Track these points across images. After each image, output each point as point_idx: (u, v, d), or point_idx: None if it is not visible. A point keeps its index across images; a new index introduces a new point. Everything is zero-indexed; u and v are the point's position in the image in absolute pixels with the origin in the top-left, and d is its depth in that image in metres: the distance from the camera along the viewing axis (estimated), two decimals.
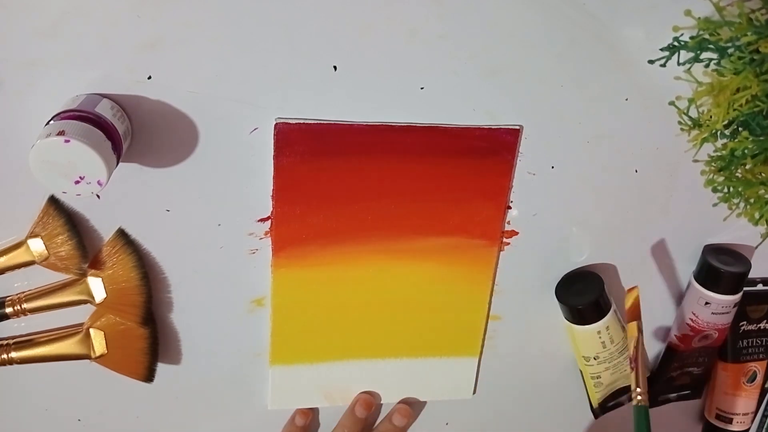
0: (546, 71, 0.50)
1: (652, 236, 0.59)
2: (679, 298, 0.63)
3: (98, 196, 0.48)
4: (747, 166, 0.46)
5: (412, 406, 0.61)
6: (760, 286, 0.65)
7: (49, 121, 0.42)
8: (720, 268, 0.58)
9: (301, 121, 0.48)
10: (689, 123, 0.48)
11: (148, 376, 0.53)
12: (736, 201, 0.47)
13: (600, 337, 0.59)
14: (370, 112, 0.49)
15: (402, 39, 0.47)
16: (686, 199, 0.58)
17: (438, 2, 0.46)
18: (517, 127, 0.52)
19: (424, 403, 0.62)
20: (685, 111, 0.47)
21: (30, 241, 0.48)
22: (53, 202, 0.47)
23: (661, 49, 0.47)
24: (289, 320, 0.55)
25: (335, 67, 0.47)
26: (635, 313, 0.53)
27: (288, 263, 0.53)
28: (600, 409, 0.65)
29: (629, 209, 0.58)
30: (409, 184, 0.52)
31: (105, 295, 0.50)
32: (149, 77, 0.45)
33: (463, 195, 0.53)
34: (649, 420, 0.47)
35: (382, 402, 0.61)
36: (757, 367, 0.66)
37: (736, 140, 0.45)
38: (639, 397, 0.47)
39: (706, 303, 0.60)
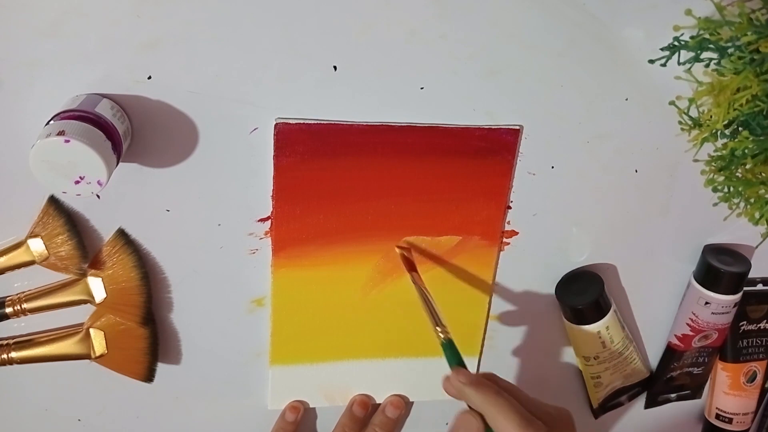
0: (546, 71, 0.50)
1: (652, 236, 0.59)
2: (679, 298, 0.63)
3: (98, 196, 0.48)
4: (747, 166, 0.46)
5: (405, 399, 0.61)
6: (760, 286, 0.65)
7: (49, 121, 0.42)
8: (720, 268, 0.58)
9: (301, 121, 0.48)
10: (689, 123, 0.48)
11: (148, 376, 0.53)
12: (736, 201, 0.47)
13: (600, 337, 0.59)
14: (370, 112, 0.49)
15: (402, 39, 0.47)
16: (686, 199, 0.58)
17: (438, 2, 0.46)
18: (517, 127, 0.52)
19: (425, 403, 0.62)
20: (686, 111, 0.47)
21: (30, 241, 0.48)
22: (53, 202, 0.47)
23: (662, 49, 0.47)
24: (289, 320, 0.55)
25: (335, 67, 0.47)
26: (409, 266, 0.53)
27: (288, 263, 0.53)
28: (600, 409, 0.65)
29: (629, 209, 0.58)
30: (409, 184, 0.52)
31: (105, 295, 0.50)
32: (149, 77, 0.45)
33: (463, 195, 0.53)
34: (457, 351, 0.48)
35: (382, 402, 0.61)
36: (757, 367, 0.66)
37: (737, 140, 0.45)
38: (441, 335, 0.48)
39: (706, 303, 0.60)
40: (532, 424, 0.42)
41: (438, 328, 0.48)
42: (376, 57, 0.47)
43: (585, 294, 0.58)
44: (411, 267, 0.53)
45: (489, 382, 0.45)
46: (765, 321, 0.65)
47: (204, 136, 0.47)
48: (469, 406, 0.45)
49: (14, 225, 0.48)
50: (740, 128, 0.45)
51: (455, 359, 0.47)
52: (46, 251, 0.48)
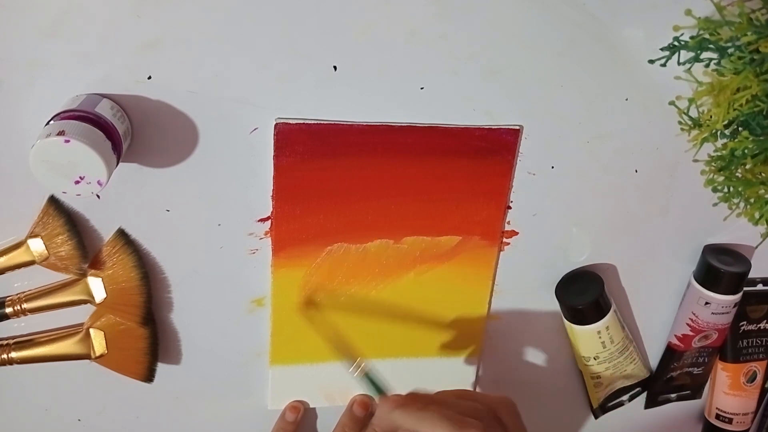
0: (546, 71, 0.50)
1: (652, 236, 0.59)
2: (679, 298, 0.63)
3: (98, 196, 0.48)
4: (747, 166, 0.46)
5: None
6: (760, 286, 0.65)
7: (49, 121, 0.42)
8: (720, 268, 0.58)
9: (301, 121, 0.48)
10: (689, 123, 0.48)
11: (148, 376, 0.53)
12: (736, 201, 0.47)
13: (600, 337, 0.59)
14: (370, 112, 0.49)
15: (402, 39, 0.47)
16: (686, 199, 0.58)
17: (438, 2, 0.46)
18: (517, 127, 0.52)
19: None
20: (685, 111, 0.47)
21: (30, 241, 0.48)
22: (53, 202, 0.47)
23: (662, 49, 0.47)
24: (289, 320, 0.55)
25: (335, 67, 0.47)
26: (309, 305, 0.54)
27: (288, 263, 0.53)
28: (600, 409, 0.65)
29: (629, 209, 0.58)
30: (409, 184, 0.52)
31: (105, 295, 0.50)
32: (149, 77, 0.45)
33: (463, 195, 0.53)
34: (376, 381, 0.48)
35: None
36: (757, 367, 0.66)
37: (736, 140, 0.45)
38: (358, 371, 0.49)
39: (706, 303, 0.60)
40: (463, 426, 0.42)
41: (353, 366, 0.49)
42: (376, 57, 0.47)
43: (585, 294, 0.58)
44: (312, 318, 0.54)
45: (412, 399, 0.45)
46: (765, 321, 0.65)
47: (204, 136, 0.47)
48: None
49: (14, 225, 0.48)
50: (740, 128, 0.45)
51: (377, 390, 0.48)
52: (46, 251, 0.48)
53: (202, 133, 0.47)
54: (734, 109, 0.43)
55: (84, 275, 0.49)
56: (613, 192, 0.56)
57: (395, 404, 0.45)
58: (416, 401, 0.45)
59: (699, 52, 0.45)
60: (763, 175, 0.46)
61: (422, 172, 0.52)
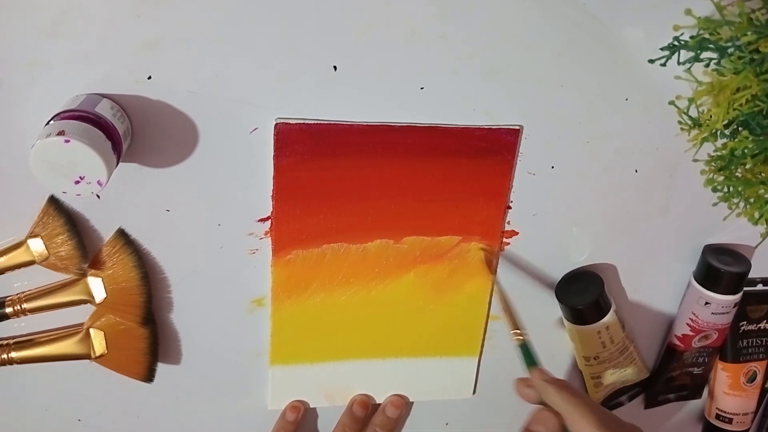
0: (546, 71, 0.50)
1: (652, 236, 0.59)
2: (679, 298, 0.63)
3: (98, 196, 0.48)
4: (747, 166, 0.46)
5: (405, 399, 0.61)
6: (760, 286, 0.65)
7: (49, 121, 0.42)
8: (720, 268, 0.58)
9: (301, 121, 0.48)
10: (689, 122, 0.48)
11: (148, 376, 0.53)
12: (735, 200, 0.47)
13: (600, 337, 0.59)
14: (370, 112, 0.49)
15: (402, 39, 0.47)
16: (686, 199, 0.58)
17: (438, 2, 0.46)
18: (517, 127, 0.52)
19: (425, 403, 0.62)
20: (685, 110, 0.48)
21: (30, 241, 0.48)
22: (53, 202, 0.47)
23: (662, 49, 0.48)
24: (289, 320, 0.55)
25: (335, 67, 0.47)
26: (491, 269, 0.56)
27: (288, 263, 0.53)
28: None
29: (629, 209, 0.58)
30: (409, 184, 0.52)
31: (105, 295, 0.50)
32: (149, 77, 0.45)
33: (463, 195, 0.53)
34: (532, 352, 0.51)
35: (382, 402, 0.61)
36: (757, 367, 0.66)
37: (736, 140, 0.45)
38: (516, 338, 0.51)
39: (706, 303, 0.60)
40: (609, 428, 0.43)
41: (513, 331, 0.51)
42: (376, 57, 0.47)
43: (585, 294, 0.58)
44: (492, 270, 0.56)
45: (567, 383, 0.47)
46: (765, 321, 0.65)
47: (204, 136, 0.47)
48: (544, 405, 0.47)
49: (14, 225, 0.48)
50: (740, 128, 0.45)
51: (531, 361, 0.50)
52: (46, 251, 0.48)
53: (202, 133, 0.47)
54: (734, 109, 0.43)
55: (84, 275, 0.49)
56: (613, 192, 0.56)
57: (551, 378, 0.47)
58: (572, 386, 0.47)
59: (699, 51, 0.45)
60: (763, 174, 0.46)
61: (422, 172, 0.52)
